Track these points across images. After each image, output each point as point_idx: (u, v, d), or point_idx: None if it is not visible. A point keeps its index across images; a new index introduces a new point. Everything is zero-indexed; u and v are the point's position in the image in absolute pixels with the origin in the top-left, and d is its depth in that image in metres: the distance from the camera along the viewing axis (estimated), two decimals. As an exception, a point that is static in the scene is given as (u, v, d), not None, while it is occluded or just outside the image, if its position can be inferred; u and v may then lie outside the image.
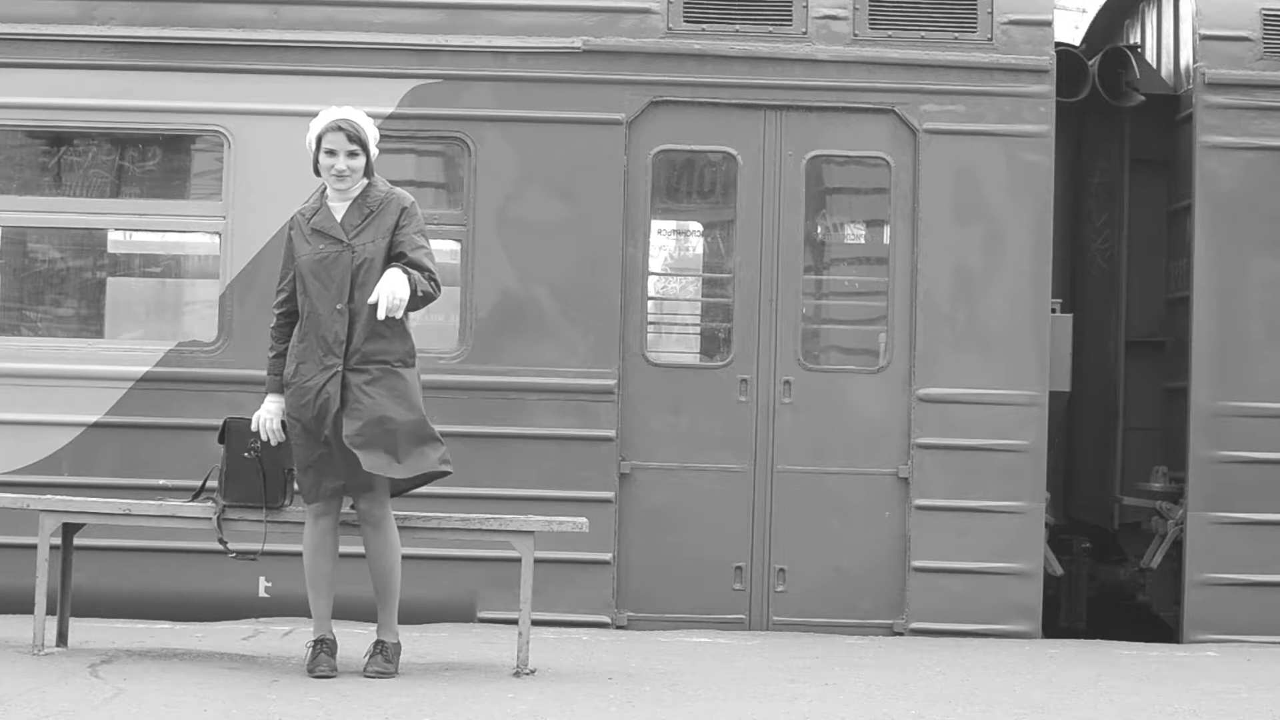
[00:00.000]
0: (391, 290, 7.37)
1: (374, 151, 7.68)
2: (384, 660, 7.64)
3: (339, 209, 7.63)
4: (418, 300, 7.50)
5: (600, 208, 10.02)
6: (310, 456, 7.58)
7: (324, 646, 7.65)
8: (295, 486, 8.05)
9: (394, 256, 7.55)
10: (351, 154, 7.58)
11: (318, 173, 7.66)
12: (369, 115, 9.80)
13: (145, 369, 9.97)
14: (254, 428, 7.69)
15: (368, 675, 7.58)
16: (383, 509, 7.62)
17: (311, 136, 7.64)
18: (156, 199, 10.29)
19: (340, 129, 7.58)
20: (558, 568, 9.65)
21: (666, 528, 10.05)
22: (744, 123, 10.15)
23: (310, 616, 7.79)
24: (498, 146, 10.04)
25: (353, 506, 7.68)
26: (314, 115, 9.90)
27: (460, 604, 9.77)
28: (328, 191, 7.67)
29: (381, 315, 7.36)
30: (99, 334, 10.37)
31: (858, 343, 10.42)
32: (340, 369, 7.47)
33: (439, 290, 7.64)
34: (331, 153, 7.58)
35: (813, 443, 10.08)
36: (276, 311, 7.74)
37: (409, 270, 7.48)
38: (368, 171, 7.65)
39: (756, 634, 9.87)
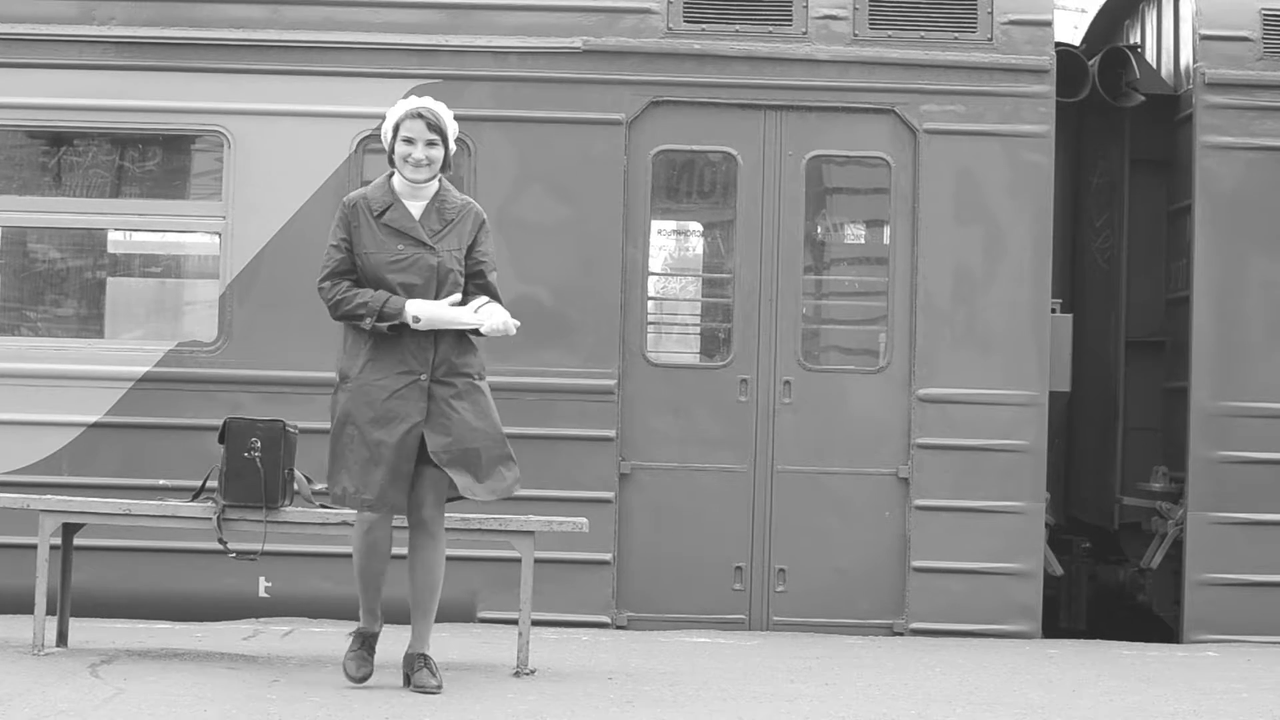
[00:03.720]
0: (505, 321, 7.12)
1: (453, 146, 7.31)
2: (429, 674, 7.22)
3: (414, 209, 7.23)
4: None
5: (600, 208, 10.02)
6: (355, 459, 7.14)
7: (367, 641, 7.33)
8: (311, 487, 8.07)
9: (471, 274, 7.25)
10: (430, 143, 7.18)
11: (392, 163, 7.28)
12: (368, 116, 9.91)
13: (145, 369, 9.97)
14: (414, 313, 7.09)
15: (414, 690, 7.20)
16: (443, 517, 7.31)
17: (388, 125, 7.26)
18: (156, 199, 10.29)
19: (420, 116, 7.18)
20: (558, 568, 9.65)
21: (666, 528, 10.05)
22: (744, 123, 10.15)
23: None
24: (498, 146, 10.05)
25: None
26: (314, 115, 10.02)
27: (460, 604, 9.76)
28: (398, 186, 7.25)
29: (486, 331, 7.11)
30: (99, 334, 10.37)
31: (858, 343, 10.43)
32: (425, 378, 7.12)
33: None
34: (409, 141, 7.18)
35: (813, 443, 10.09)
36: (326, 281, 7.21)
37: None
38: (445, 165, 7.28)
39: (756, 634, 9.87)
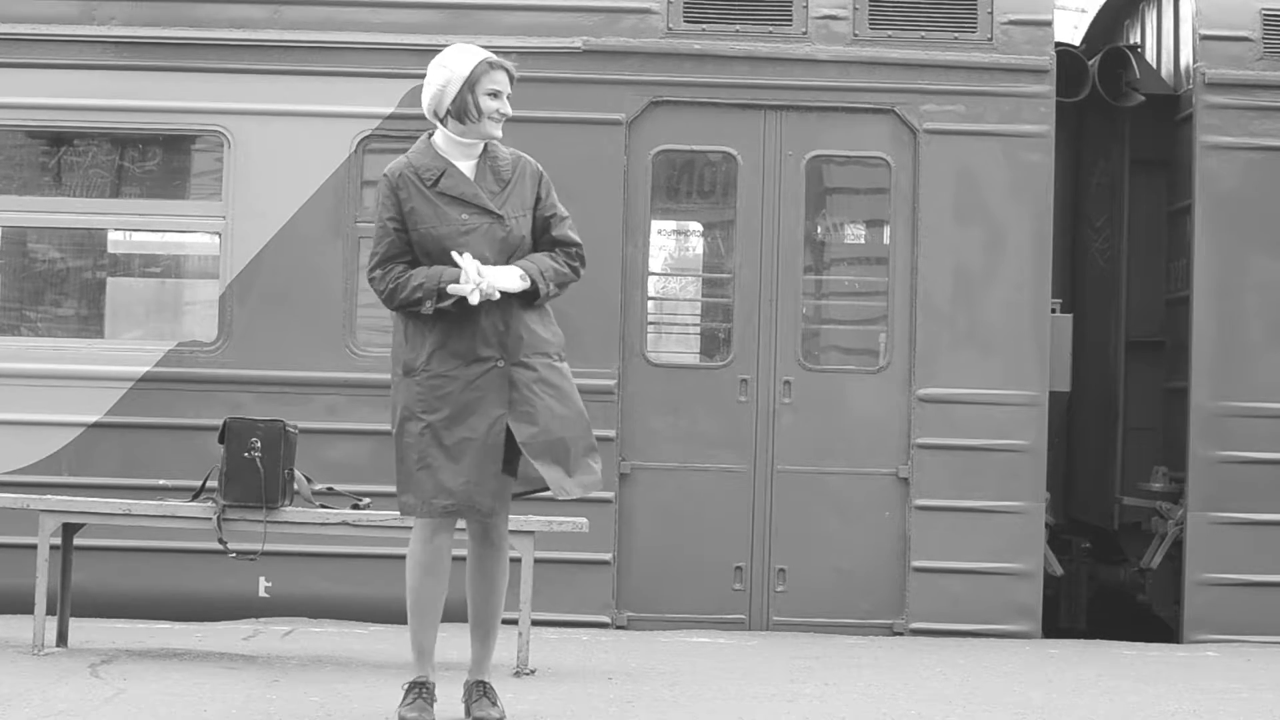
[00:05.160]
0: (491, 282, 6.20)
1: None
2: (490, 704, 6.41)
3: (466, 169, 6.39)
4: (551, 292, 6.39)
5: (600, 208, 10.01)
6: (425, 461, 6.25)
7: (424, 692, 6.32)
8: (311, 487, 8.04)
9: (541, 229, 6.44)
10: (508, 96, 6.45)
11: (457, 118, 6.36)
12: (368, 115, 9.91)
13: (145, 369, 9.97)
14: (459, 286, 6.17)
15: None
16: (506, 525, 6.46)
17: (456, 74, 6.35)
18: (156, 199, 10.30)
19: (503, 67, 6.40)
20: (558, 568, 9.65)
21: (666, 528, 10.05)
22: (744, 123, 10.15)
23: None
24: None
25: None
26: (314, 115, 10.01)
27: (461, 604, 9.72)
28: (444, 147, 6.42)
29: (472, 294, 6.16)
30: (99, 334, 10.37)
31: (858, 343, 10.43)
32: (503, 363, 6.26)
33: (583, 266, 6.51)
34: (496, 95, 6.35)
35: (813, 443, 10.08)
36: (378, 269, 6.33)
37: (541, 266, 6.34)
38: None
39: (756, 634, 9.87)
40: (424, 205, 6.31)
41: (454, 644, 8.63)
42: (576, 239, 6.49)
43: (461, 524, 6.44)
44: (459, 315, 6.23)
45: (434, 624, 6.36)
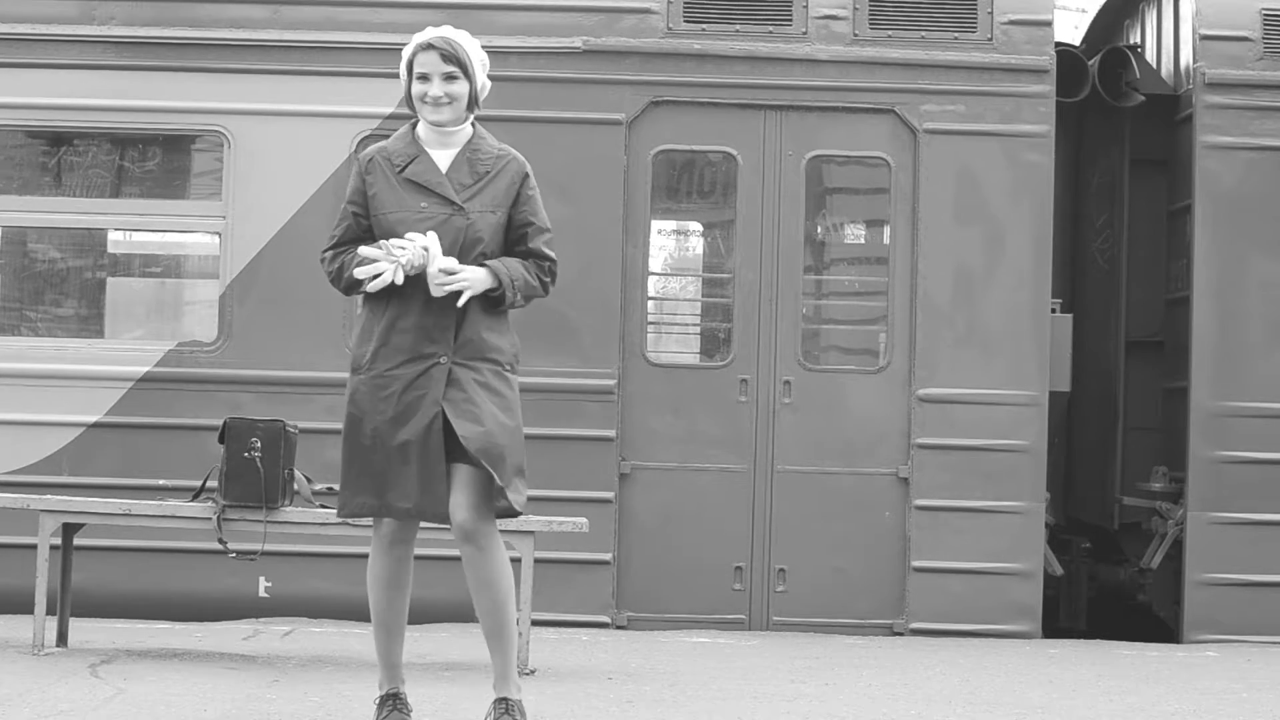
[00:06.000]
0: (466, 280, 5.95)
1: (481, 80, 6.17)
2: None
3: (441, 158, 6.12)
4: (516, 303, 6.11)
5: (600, 208, 10.02)
6: (371, 465, 5.99)
7: (397, 703, 6.14)
8: (311, 487, 8.03)
9: (515, 239, 6.13)
10: (449, 77, 6.07)
11: (412, 108, 6.15)
12: (368, 116, 9.91)
13: (145, 369, 9.98)
14: (370, 252, 5.95)
15: None
16: (489, 522, 6.01)
17: (403, 65, 6.18)
18: (156, 199, 10.30)
19: (432, 47, 6.12)
20: (558, 568, 9.65)
21: (666, 528, 10.05)
22: (744, 123, 10.15)
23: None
24: (498, 146, 10.04)
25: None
26: (314, 115, 10.02)
27: (460, 604, 9.72)
28: (422, 134, 6.14)
29: (436, 290, 5.90)
30: (99, 334, 10.37)
31: (858, 343, 10.43)
32: (446, 361, 5.95)
33: (553, 283, 6.21)
34: (424, 78, 6.09)
35: (813, 443, 10.09)
36: (329, 250, 6.15)
37: (513, 273, 6.06)
38: (471, 104, 6.15)
39: (756, 634, 9.87)
40: (387, 190, 6.07)
41: (457, 645, 8.64)
42: (551, 254, 6.18)
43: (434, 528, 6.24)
44: (403, 309, 5.97)
45: (400, 636, 6.18)
